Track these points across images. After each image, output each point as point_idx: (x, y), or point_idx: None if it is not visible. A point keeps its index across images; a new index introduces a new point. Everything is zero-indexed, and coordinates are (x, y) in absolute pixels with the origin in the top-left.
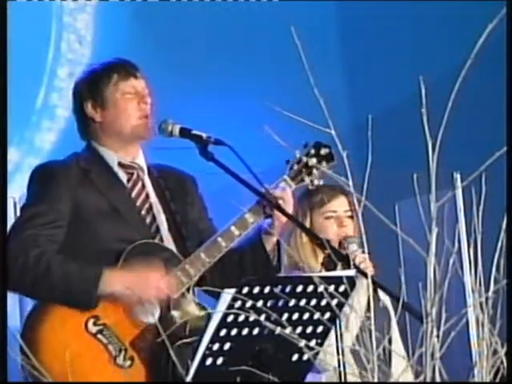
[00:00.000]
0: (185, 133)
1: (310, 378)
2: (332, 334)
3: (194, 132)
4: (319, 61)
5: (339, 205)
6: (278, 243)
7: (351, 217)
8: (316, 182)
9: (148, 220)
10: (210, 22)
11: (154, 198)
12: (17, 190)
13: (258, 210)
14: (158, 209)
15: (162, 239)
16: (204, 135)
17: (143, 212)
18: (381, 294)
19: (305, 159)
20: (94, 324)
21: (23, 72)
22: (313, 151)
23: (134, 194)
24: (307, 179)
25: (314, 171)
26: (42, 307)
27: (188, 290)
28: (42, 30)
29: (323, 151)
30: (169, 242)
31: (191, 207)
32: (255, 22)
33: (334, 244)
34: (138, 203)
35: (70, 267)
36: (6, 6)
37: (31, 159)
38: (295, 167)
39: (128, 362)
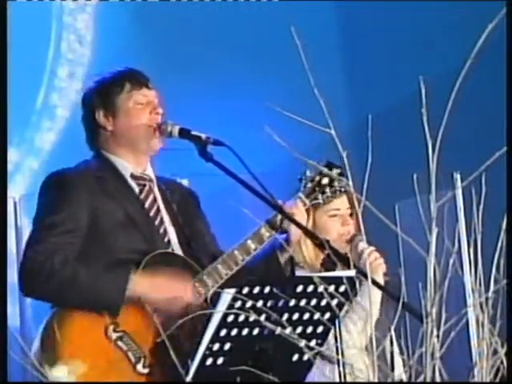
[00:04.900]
0: (184, 133)
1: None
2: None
3: (194, 133)
4: (319, 61)
5: (342, 203)
6: (292, 259)
7: (351, 214)
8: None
9: (161, 232)
10: (209, 22)
11: (163, 211)
12: (17, 190)
13: (273, 224)
14: (168, 221)
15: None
16: (203, 136)
17: (156, 223)
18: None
19: (318, 178)
20: (114, 331)
21: (23, 72)
22: (325, 170)
23: (146, 206)
24: (320, 197)
25: (327, 189)
26: (60, 314)
27: (206, 300)
28: (42, 30)
29: (335, 171)
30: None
31: (196, 221)
32: (255, 22)
33: (338, 243)
34: (150, 215)
35: (97, 270)
36: (6, 6)
37: (31, 159)
38: (309, 185)
39: (147, 370)
